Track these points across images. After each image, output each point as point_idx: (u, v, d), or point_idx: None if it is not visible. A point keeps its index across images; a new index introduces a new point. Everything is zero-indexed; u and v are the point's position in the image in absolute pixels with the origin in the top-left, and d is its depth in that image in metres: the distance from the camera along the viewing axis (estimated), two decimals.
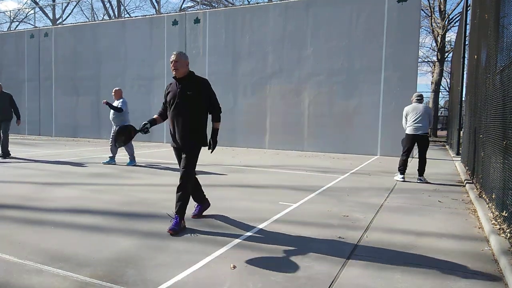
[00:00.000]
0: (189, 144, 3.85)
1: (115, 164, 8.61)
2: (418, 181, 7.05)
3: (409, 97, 12.17)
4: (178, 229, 3.71)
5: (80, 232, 3.65)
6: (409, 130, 7.11)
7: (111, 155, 8.68)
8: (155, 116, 4.07)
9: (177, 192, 3.84)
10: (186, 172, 3.84)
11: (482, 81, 6.28)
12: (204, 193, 4.38)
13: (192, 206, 4.31)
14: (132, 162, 8.63)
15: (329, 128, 13.31)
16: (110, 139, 8.75)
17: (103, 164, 8.61)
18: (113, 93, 8.58)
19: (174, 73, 3.81)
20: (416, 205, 5.18)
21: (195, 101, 3.80)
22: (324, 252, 3.24)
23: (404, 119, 7.26)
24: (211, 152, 4.01)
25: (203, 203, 4.38)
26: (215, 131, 3.98)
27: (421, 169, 7.08)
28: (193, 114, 3.83)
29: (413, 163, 10.14)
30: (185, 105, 3.80)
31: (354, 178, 7.52)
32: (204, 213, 4.48)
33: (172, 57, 3.81)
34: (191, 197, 4.12)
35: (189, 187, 3.90)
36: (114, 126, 8.50)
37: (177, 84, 3.86)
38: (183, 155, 3.88)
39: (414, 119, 7.04)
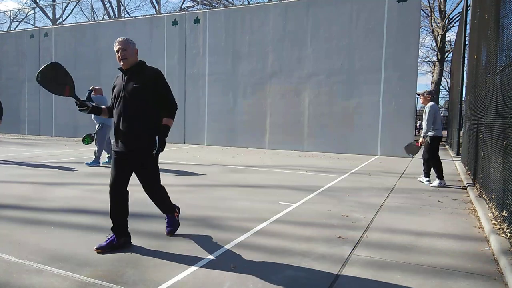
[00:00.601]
0: (145, 149, 3.21)
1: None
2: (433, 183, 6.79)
3: (409, 97, 12.22)
4: (174, 228, 3.61)
5: (80, 232, 3.65)
6: (439, 132, 6.69)
7: (108, 155, 8.59)
8: (103, 107, 3.49)
9: (154, 201, 3.54)
10: (153, 190, 3.42)
11: (482, 81, 6.28)
12: (128, 226, 3.36)
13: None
14: (93, 163, 8.31)
15: (329, 128, 13.31)
16: (95, 140, 8.39)
17: (102, 164, 8.55)
18: (93, 93, 8.26)
19: (121, 63, 3.25)
20: (416, 205, 5.18)
21: (144, 95, 3.19)
22: (324, 252, 3.24)
23: (433, 118, 6.60)
24: (155, 154, 3.23)
25: (123, 235, 3.28)
26: (164, 128, 3.27)
27: (430, 172, 6.93)
28: (143, 111, 3.21)
29: (414, 163, 10.13)
30: (132, 101, 3.19)
31: (354, 178, 7.52)
32: (205, 213, 4.48)
33: (118, 45, 3.24)
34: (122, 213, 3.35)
35: (162, 191, 3.52)
36: (97, 124, 8.36)
37: (123, 76, 3.30)
38: (141, 166, 3.28)
39: (439, 120, 6.79)
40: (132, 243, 3.33)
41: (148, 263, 2.92)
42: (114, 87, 3.39)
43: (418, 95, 7.11)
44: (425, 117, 6.64)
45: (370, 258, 3.13)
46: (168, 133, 3.30)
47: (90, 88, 8.08)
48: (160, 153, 3.25)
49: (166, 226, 3.61)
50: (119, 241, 3.23)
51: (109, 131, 8.42)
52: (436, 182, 6.69)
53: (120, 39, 3.28)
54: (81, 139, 8.21)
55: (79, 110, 3.25)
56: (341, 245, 3.44)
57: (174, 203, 3.70)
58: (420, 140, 6.74)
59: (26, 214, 4.27)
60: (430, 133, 6.64)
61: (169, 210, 3.61)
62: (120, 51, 3.23)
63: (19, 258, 2.95)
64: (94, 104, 3.43)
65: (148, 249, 3.22)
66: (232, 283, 2.61)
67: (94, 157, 8.42)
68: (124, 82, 3.26)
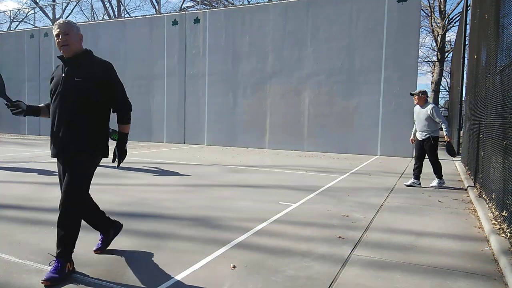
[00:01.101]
0: (73, 154, 2.67)
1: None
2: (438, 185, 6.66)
3: (409, 97, 12.19)
4: (60, 277, 2.55)
5: (80, 232, 3.64)
6: (438, 132, 6.60)
7: None
8: (41, 105, 2.97)
9: (58, 226, 2.66)
10: (68, 197, 2.64)
11: (482, 81, 6.28)
12: (108, 217, 3.16)
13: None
14: None
15: (329, 128, 13.32)
16: None
17: None
18: None
19: (61, 51, 2.68)
20: (416, 205, 5.18)
21: (86, 91, 2.65)
22: (324, 252, 3.24)
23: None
24: (117, 166, 2.92)
25: (109, 229, 3.13)
26: (122, 137, 2.85)
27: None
28: (85, 111, 2.67)
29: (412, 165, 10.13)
30: (70, 97, 2.65)
31: (354, 178, 7.52)
32: (205, 213, 4.48)
33: (57, 29, 2.67)
34: (93, 226, 3.10)
35: (76, 218, 2.73)
36: None
37: (63, 67, 2.74)
38: (67, 171, 2.70)
39: None
40: (132, 243, 3.33)
41: (148, 263, 2.92)
42: (52, 79, 2.80)
43: (412, 95, 6.80)
44: (435, 117, 6.38)
45: (370, 258, 3.13)
46: (127, 140, 2.88)
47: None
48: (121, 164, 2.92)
49: (49, 272, 2.58)
50: (109, 234, 3.14)
51: None
52: (435, 181, 6.61)
53: (60, 21, 2.71)
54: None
55: (13, 113, 2.79)
56: (341, 245, 3.44)
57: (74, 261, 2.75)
58: (447, 139, 6.50)
59: (26, 214, 4.27)
60: (432, 134, 6.49)
61: (65, 252, 2.66)
62: (60, 36, 2.66)
63: (19, 258, 2.95)
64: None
65: (148, 249, 3.22)
66: (232, 283, 2.61)
67: None
68: (63, 74, 2.70)
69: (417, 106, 6.68)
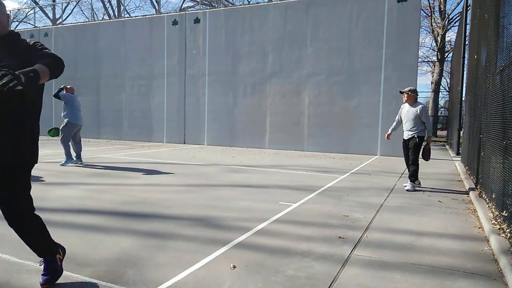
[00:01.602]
0: (8, 157, 2.26)
1: (75, 164, 8.42)
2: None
3: None
4: (52, 276, 2.51)
5: (80, 232, 3.65)
6: (423, 133, 6.43)
7: (75, 154, 8.54)
8: None
9: (24, 236, 2.44)
10: (18, 218, 2.36)
11: (482, 81, 6.28)
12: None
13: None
14: (67, 161, 8.33)
15: (329, 128, 13.32)
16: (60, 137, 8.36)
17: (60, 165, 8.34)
18: (63, 91, 8.36)
19: None
20: (416, 205, 5.18)
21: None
22: (324, 252, 3.24)
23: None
24: (4, 86, 1.84)
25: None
26: (31, 69, 2.00)
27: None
28: (8, 102, 2.21)
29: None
30: None
31: (354, 178, 7.52)
32: (205, 213, 4.48)
33: None
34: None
35: (35, 218, 2.47)
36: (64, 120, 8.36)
37: None
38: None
39: None
40: (132, 243, 3.32)
41: (148, 263, 2.92)
42: None
43: (401, 93, 6.58)
44: (424, 118, 6.31)
45: (370, 258, 3.13)
46: (33, 78, 1.98)
47: (61, 86, 8.41)
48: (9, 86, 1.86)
49: (42, 274, 2.51)
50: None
51: (73, 129, 8.38)
52: (409, 185, 6.29)
53: None
54: (48, 130, 8.63)
55: None
56: (341, 245, 3.44)
57: (57, 242, 2.65)
58: (428, 140, 6.43)
59: None
60: (420, 134, 6.34)
61: (46, 251, 2.52)
62: None
63: (19, 258, 2.95)
64: None
65: (148, 249, 3.22)
66: (232, 283, 2.61)
67: (65, 157, 8.40)
68: None
69: (406, 105, 6.54)
